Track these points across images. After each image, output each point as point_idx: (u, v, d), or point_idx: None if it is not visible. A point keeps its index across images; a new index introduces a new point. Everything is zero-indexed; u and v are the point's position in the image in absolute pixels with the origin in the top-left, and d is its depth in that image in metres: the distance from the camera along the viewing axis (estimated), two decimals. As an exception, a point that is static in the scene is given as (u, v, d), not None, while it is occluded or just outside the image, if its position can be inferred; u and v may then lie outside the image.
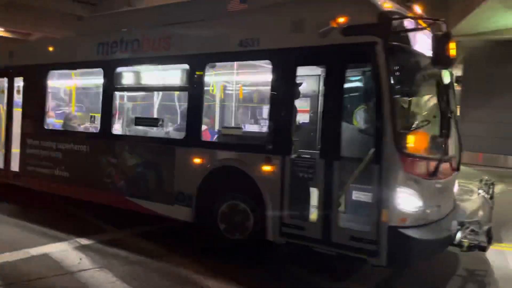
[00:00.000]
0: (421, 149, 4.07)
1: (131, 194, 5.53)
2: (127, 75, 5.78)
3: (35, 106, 6.81)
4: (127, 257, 4.57)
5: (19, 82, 7.18)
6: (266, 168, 4.37)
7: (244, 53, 4.64)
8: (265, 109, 5.24)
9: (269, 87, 4.50)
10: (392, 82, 3.70)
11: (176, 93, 5.84)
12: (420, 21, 3.97)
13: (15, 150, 7.15)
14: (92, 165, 5.95)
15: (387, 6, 3.96)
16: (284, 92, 4.35)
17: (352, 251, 3.90)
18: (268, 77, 4.54)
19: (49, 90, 6.78)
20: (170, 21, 5.37)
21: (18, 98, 7.19)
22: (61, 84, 7.33)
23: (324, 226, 4.05)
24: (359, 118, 4.39)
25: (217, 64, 5.05)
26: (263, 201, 4.37)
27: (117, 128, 6.02)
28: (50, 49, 6.84)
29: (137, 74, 5.74)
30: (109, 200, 5.84)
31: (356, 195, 4.18)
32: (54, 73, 6.72)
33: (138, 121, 5.74)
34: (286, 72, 4.33)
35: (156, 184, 5.31)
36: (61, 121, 6.97)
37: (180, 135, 5.33)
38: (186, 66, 5.10)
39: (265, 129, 4.68)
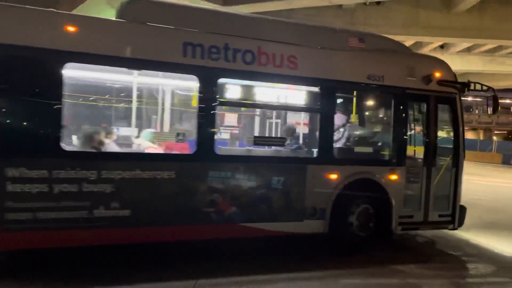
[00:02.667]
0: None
1: (249, 220, 5.23)
2: (235, 89, 5.15)
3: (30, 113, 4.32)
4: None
5: None
6: (393, 177, 5.95)
7: (371, 86, 5.82)
8: (381, 133, 6.43)
9: (384, 115, 5.97)
10: (461, 116, 6.37)
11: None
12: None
13: None
14: (182, 195, 4.89)
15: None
16: (401, 121, 6.01)
17: (439, 224, 6.36)
18: (381, 108, 5.98)
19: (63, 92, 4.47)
20: (284, 39, 5.40)
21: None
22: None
23: (425, 212, 6.27)
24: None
25: (346, 91, 5.76)
26: (390, 202, 5.94)
27: (224, 148, 5.14)
28: (72, 29, 4.44)
29: (249, 89, 5.23)
30: (211, 233, 5.10)
31: (441, 188, 6.50)
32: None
33: (258, 140, 5.24)
34: (403, 106, 6.02)
35: (283, 204, 5.40)
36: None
37: (309, 153, 5.56)
38: (316, 89, 5.49)
39: (389, 147, 6.07)
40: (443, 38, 19.19)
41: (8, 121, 4.32)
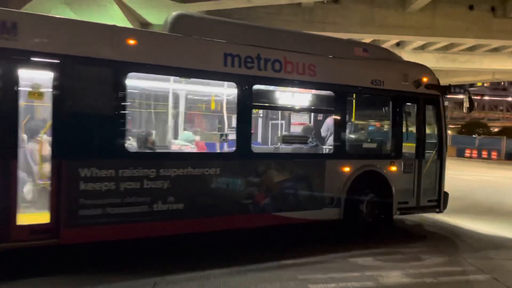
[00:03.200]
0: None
1: (279, 209, 6.42)
2: (266, 94, 6.29)
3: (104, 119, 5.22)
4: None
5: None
6: (393, 168, 7.43)
7: (374, 90, 7.24)
8: (382, 130, 7.79)
9: (384, 115, 7.42)
10: (444, 115, 8.01)
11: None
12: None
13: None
14: (225, 189, 5.97)
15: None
16: (398, 120, 7.50)
17: (428, 208, 7.96)
18: (381, 109, 7.45)
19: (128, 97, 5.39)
20: (303, 49, 6.65)
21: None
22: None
23: (417, 198, 7.82)
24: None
25: (355, 94, 7.12)
26: (391, 191, 7.40)
27: (257, 146, 6.24)
28: (132, 42, 5.33)
29: (277, 94, 6.41)
30: (248, 222, 6.23)
31: (429, 178, 8.05)
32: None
33: (286, 139, 6.41)
34: (399, 107, 7.52)
35: (306, 195, 6.65)
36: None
37: (327, 150, 6.85)
38: (331, 93, 6.80)
39: (389, 143, 7.52)
40: (398, 36, 21.48)
41: (80, 126, 5.15)
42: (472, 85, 57.16)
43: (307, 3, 19.89)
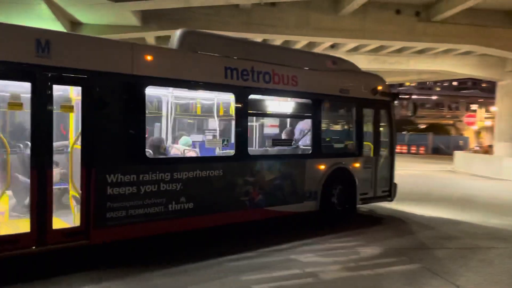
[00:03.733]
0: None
1: (270, 204, 8.08)
2: (258, 102, 7.89)
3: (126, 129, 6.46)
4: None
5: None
6: (356, 164, 9.37)
7: (342, 97, 9.17)
8: (348, 132, 9.79)
9: (349, 118, 9.33)
10: (394, 118, 10.14)
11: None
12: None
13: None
14: (227, 188, 7.45)
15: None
16: (359, 123, 9.46)
17: (382, 198, 10.05)
18: (347, 113, 9.40)
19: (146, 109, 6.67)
20: (286, 62, 8.35)
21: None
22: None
23: (375, 189, 9.88)
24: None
25: (327, 102, 8.89)
26: (355, 184, 9.34)
27: (253, 149, 7.74)
28: (149, 58, 6.57)
29: (267, 102, 8.06)
30: (245, 216, 7.78)
31: (383, 171, 10.09)
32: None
33: (275, 142, 8.00)
34: (361, 112, 9.50)
35: (291, 190, 8.36)
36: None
37: (307, 151, 8.60)
38: (309, 101, 8.53)
39: (353, 144, 9.45)
40: (332, 39, 23.84)
41: (106, 136, 6.30)
42: (401, 84, 63.47)
43: (245, 5, 21.42)
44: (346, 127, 10.27)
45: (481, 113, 40.84)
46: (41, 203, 5.76)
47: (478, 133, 65.92)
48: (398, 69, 30.61)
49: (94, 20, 19.77)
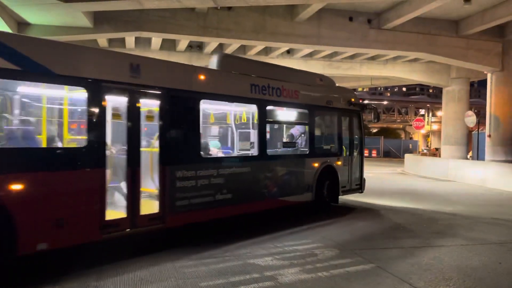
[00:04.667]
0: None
1: (281, 195, 11.74)
2: (272, 112, 11.59)
3: (188, 134, 9.77)
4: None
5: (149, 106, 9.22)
6: (338, 162, 13.46)
7: (328, 108, 13.19)
8: (332, 136, 13.66)
9: (333, 125, 13.33)
10: (362, 125, 14.33)
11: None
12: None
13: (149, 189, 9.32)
14: (253, 182, 11.00)
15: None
16: (340, 128, 13.53)
17: (355, 190, 14.46)
18: (331, 120, 13.37)
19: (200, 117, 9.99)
20: (290, 79, 12.09)
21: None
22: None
23: (350, 182, 14.15)
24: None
25: (318, 111, 12.73)
26: (338, 179, 13.41)
27: (269, 151, 11.40)
28: (202, 77, 9.95)
29: (278, 112, 11.83)
30: (265, 206, 11.37)
31: (356, 168, 14.22)
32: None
33: (286, 144, 11.78)
34: (340, 120, 13.62)
35: (296, 184, 12.16)
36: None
37: (305, 151, 12.37)
38: (306, 110, 12.33)
39: (336, 145, 13.42)
40: (288, 44, 27.70)
41: (176, 140, 9.51)
42: (355, 90, 69.48)
43: (201, 9, 24.15)
44: (330, 131, 14.20)
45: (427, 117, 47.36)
46: (133, 194, 8.33)
47: (426, 136, 73.88)
48: (351, 75, 35.60)
49: (43, 20, 21.65)
